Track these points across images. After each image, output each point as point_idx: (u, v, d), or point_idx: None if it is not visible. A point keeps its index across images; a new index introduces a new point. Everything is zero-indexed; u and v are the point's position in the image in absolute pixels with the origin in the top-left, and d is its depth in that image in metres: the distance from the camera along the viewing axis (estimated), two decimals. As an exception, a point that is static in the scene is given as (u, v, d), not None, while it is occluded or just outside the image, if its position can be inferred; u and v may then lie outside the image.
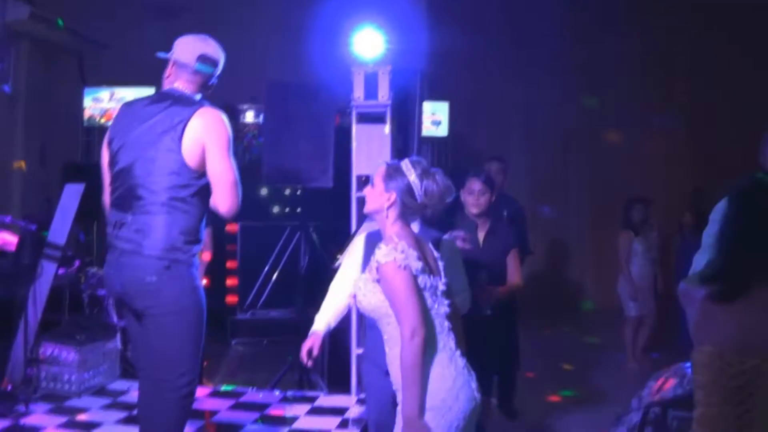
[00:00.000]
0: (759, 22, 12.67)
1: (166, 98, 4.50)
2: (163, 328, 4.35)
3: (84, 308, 8.29)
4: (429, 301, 3.80)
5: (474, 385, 3.82)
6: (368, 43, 7.51)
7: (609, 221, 9.29)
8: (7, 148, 10.34)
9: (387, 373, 4.30)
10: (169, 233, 4.31)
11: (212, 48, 4.63)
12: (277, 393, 7.74)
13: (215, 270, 8.80)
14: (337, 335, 7.84)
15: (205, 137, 4.34)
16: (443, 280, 3.94)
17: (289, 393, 7.74)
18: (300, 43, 10.86)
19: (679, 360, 5.70)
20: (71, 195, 7.55)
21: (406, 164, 3.95)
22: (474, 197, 6.19)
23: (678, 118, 14.21)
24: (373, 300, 3.84)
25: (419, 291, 3.75)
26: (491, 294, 5.87)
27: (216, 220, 8.36)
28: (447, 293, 3.92)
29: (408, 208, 3.92)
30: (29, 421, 6.61)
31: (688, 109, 14.10)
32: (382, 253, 3.77)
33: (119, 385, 7.73)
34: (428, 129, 12.25)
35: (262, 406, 7.25)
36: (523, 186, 12.55)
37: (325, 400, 7.42)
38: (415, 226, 4.54)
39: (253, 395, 7.69)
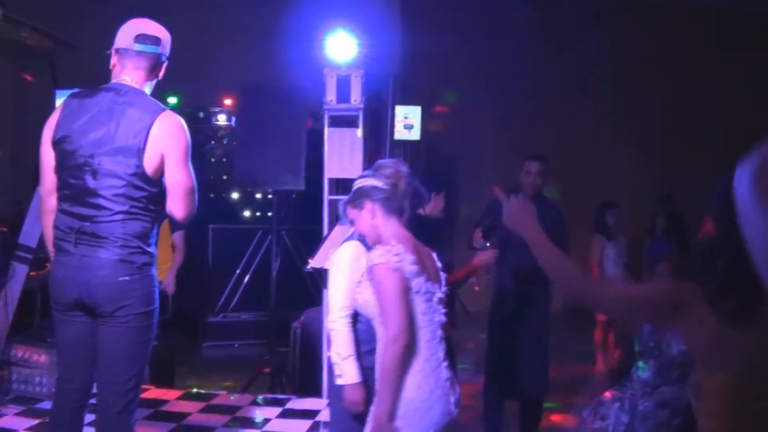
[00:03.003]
0: (732, 24, 12.79)
1: (119, 95, 4.32)
2: (129, 329, 4.28)
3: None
4: (422, 306, 3.77)
5: (453, 399, 3.79)
6: (341, 46, 7.53)
7: (580, 224, 9.32)
8: (-23, 151, 10.30)
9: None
10: (129, 237, 4.24)
11: (151, 27, 4.47)
12: (248, 396, 7.74)
13: (187, 273, 8.78)
14: (308, 339, 7.86)
15: (166, 145, 4.26)
16: (443, 288, 3.92)
17: (260, 396, 7.75)
18: (273, 47, 10.87)
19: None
20: (42, 197, 7.53)
21: (358, 181, 4.05)
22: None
23: (648, 118, 14.31)
24: (364, 296, 3.88)
25: (410, 295, 3.73)
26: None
27: (190, 223, 8.39)
28: (446, 302, 3.90)
29: (387, 201, 3.95)
30: (0, 423, 6.58)
31: (660, 111, 14.20)
32: (377, 254, 3.78)
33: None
34: (400, 133, 12.27)
35: (233, 409, 7.24)
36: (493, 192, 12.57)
37: (296, 403, 7.42)
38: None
39: (224, 398, 7.69)
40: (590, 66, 14.02)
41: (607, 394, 5.81)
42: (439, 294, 3.87)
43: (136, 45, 4.38)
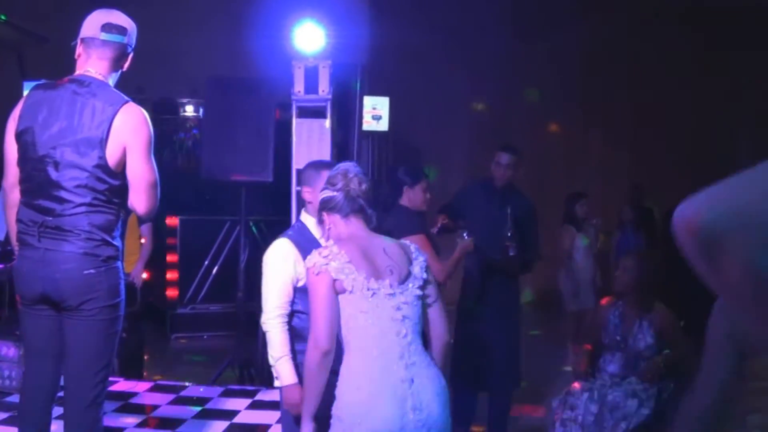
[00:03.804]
0: (703, 21, 12.87)
1: (82, 86, 4.28)
2: (96, 323, 4.25)
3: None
4: (363, 304, 3.68)
5: (411, 404, 3.58)
6: (309, 37, 7.52)
7: (549, 216, 9.35)
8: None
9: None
10: (93, 230, 4.20)
11: (116, 16, 4.41)
12: (217, 387, 7.73)
13: (155, 264, 8.76)
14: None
15: (128, 138, 4.21)
16: (400, 283, 3.77)
17: (230, 387, 7.74)
18: (241, 37, 10.83)
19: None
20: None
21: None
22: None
23: (618, 113, 14.38)
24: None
25: (341, 296, 3.70)
26: None
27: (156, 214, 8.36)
28: (404, 297, 3.75)
29: (341, 207, 3.92)
30: (-33, 417, 6.56)
31: (628, 104, 14.27)
32: (308, 258, 3.78)
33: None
34: (368, 124, 12.27)
35: (202, 400, 7.24)
36: (462, 182, 12.62)
37: (266, 394, 7.42)
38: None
39: (193, 389, 7.67)
40: (560, 58, 14.05)
41: (576, 385, 5.85)
42: (388, 290, 3.72)
43: (102, 34, 4.33)
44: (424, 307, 3.86)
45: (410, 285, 3.80)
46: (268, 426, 6.55)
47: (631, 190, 11.87)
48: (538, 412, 7.43)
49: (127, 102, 4.29)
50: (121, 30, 4.39)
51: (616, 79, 14.38)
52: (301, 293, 4.39)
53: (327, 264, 3.68)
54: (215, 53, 12.02)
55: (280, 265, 4.45)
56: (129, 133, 4.22)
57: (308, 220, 4.60)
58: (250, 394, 7.43)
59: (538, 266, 7.12)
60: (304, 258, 4.04)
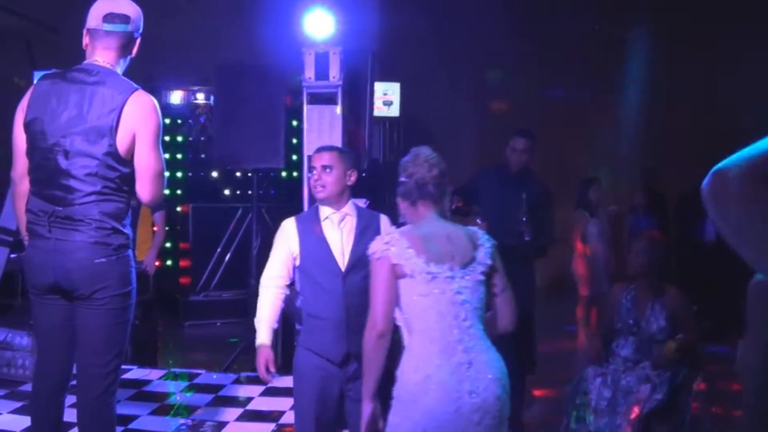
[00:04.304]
0: (711, 2, 12.80)
1: (90, 75, 4.29)
2: (107, 311, 4.26)
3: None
4: (421, 288, 3.71)
5: (468, 387, 3.62)
6: (319, 23, 7.50)
7: (561, 201, 9.30)
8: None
9: (340, 364, 4.39)
10: (103, 218, 4.20)
11: (119, 5, 4.38)
12: (231, 375, 7.75)
13: (168, 252, 8.77)
14: (290, 318, 7.86)
15: (137, 125, 4.21)
16: (462, 267, 3.79)
17: (243, 374, 7.76)
18: (251, 24, 10.82)
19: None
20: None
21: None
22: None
23: (630, 97, 14.32)
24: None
25: (401, 281, 3.74)
26: None
27: (168, 202, 8.36)
28: (464, 281, 3.77)
29: (409, 193, 3.95)
30: (-17, 407, 6.58)
31: (640, 88, 14.20)
32: (372, 244, 3.83)
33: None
34: (380, 109, 12.25)
35: (216, 388, 7.26)
36: (473, 168, 12.59)
37: (279, 381, 7.41)
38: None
39: (206, 377, 7.70)
40: (568, 42, 13.98)
41: (590, 370, 5.84)
42: (447, 274, 3.74)
43: (104, 25, 4.32)
44: (488, 293, 3.88)
45: (472, 270, 3.81)
46: (282, 413, 6.58)
47: (643, 174, 11.82)
48: (552, 397, 7.42)
49: (136, 90, 4.29)
50: (124, 19, 4.37)
51: (625, 60, 14.30)
52: (301, 273, 4.63)
53: (387, 249, 3.74)
54: (226, 40, 12.01)
55: (280, 240, 4.69)
56: (138, 120, 4.22)
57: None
58: (263, 381, 7.43)
59: (551, 251, 7.11)
60: (302, 237, 4.49)
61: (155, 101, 4.37)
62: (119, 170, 4.24)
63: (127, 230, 4.36)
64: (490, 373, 3.70)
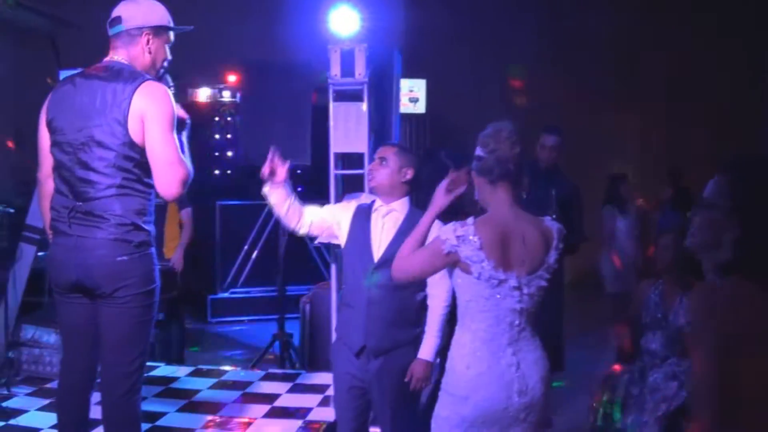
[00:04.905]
0: (729, 6, 12.74)
1: (107, 71, 4.35)
2: (129, 309, 4.29)
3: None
4: (486, 291, 3.68)
5: (517, 388, 3.67)
6: (344, 20, 7.48)
7: (587, 198, 9.26)
8: (-19, 133, 10.27)
9: (356, 355, 4.41)
10: (124, 214, 4.22)
11: (117, 8, 4.47)
12: (258, 371, 7.76)
13: (195, 249, 8.79)
14: (317, 314, 7.87)
15: (146, 110, 4.22)
16: (529, 273, 3.75)
17: (271, 371, 7.77)
18: (276, 22, 10.83)
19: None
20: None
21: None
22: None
23: (654, 93, 14.25)
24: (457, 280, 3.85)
25: (452, 269, 3.76)
26: None
27: (195, 200, 8.38)
28: (528, 288, 3.74)
29: (485, 170, 3.85)
30: (11, 404, 6.62)
31: (663, 84, 14.14)
32: (443, 228, 3.78)
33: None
34: (406, 106, 12.25)
35: (243, 385, 7.26)
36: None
37: (306, 378, 7.44)
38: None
39: (234, 374, 7.71)
40: (593, 39, 13.93)
41: (617, 367, 5.82)
42: (514, 283, 3.69)
43: (109, 30, 4.46)
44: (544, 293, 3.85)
45: (539, 276, 3.78)
46: (309, 409, 6.57)
47: (670, 170, 11.77)
48: (579, 394, 7.39)
49: (147, 80, 4.33)
50: (117, 20, 4.44)
51: (650, 56, 14.23)
52: (344, 258, 4.87)
53: (458, 247, 3.66)
54: (251, 38, 12.03)
55: (338, 207, 5.08)
56: (147, 105, 4.24)
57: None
58: (290, 378, 7.45)
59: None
60: (353, 219, 4.76)
61: (167, 90, 4.41)
62: (135, 158, 4.25)
63: (149, 227, 4.37)
64: (537, 373, 3.75)
